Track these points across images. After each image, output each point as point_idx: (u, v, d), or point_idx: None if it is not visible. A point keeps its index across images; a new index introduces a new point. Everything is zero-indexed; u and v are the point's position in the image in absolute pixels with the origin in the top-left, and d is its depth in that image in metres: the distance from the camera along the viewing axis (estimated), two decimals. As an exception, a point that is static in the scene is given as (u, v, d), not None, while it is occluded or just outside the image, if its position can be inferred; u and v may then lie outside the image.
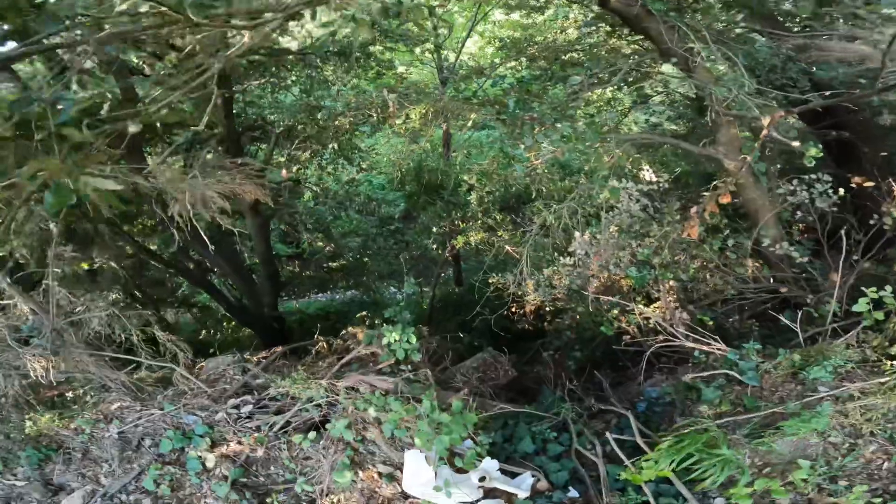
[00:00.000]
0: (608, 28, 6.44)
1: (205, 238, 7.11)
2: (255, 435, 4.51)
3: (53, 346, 4.59)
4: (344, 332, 7.11)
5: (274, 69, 9.57)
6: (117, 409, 4.73)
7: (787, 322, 5.15)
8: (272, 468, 4.40)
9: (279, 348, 7.13)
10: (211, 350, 10.22)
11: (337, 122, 9.40)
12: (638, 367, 6.60)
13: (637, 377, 6.42)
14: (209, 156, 9.99)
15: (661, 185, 6.35)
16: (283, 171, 8.93)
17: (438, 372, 5.53)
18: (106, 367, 4.94)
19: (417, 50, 11.58)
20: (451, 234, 9.71)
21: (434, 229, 9.96)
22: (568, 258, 6.41)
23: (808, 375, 4.48)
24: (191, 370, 5.45)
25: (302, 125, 9.73)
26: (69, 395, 5.19)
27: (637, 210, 5.89)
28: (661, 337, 6.12)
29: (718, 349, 4.89)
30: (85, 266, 9.72)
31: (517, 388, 6.51)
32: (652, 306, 6.45)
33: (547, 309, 7.76)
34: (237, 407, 4.74)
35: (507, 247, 8.66)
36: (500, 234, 8.52)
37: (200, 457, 4.36)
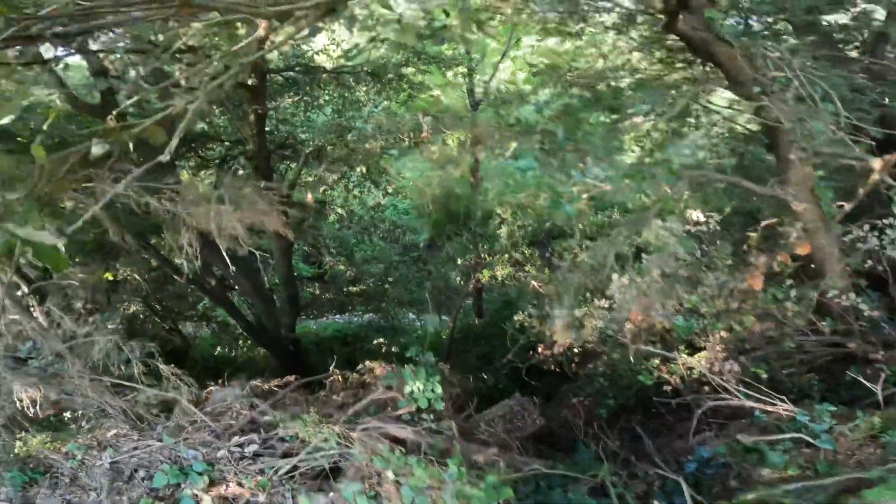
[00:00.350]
0: (661, 55, 6.04)
1: (226, 257, 6.88)
2: (258, 478, 4.04)
3: (51, 369, 4.25)
4: (361, 366, 6.66)
5: (307, 88, 9.44)
6: (113, 437, 4.34)
7: (856, 378, 4.57)
8: (274, 516, 3.92)
9: (292, 378, 6.71)
10: (226, 373, 9.90)
11: (368, 145, 9.15)
12: (680, 420, 6.00)
13: (679, 431, 5.82)
14: (239, 172, 9.86)
15: (710, 225, 5.85)
16: (309, 196, 8.66)
17: (462, 420, 5.01)
18: (106, 392, 4.57)
19: (450, 73, 11.39)
20: (477, 266, 9.26)
21: (459, 261, 9.54)
22: (603, 300, 5.89)
23: (891, 439, 3.92)
24: (197, 401, 5.04)
25: (332, 146, 9.51)
26: (67, 415, 4.84)
27: (684, 253, 5.38)
28: (707, 389, 5.57)
29: (784, 410, 4.29)
30: (109, 276, 9.55)
31: (545, 435, 5.94)
32: (697, 356, 5.87)
33: (575, 350, 7.21)
34: (241, 445, 4.29)
35: (534, 282, 8.17)
36: (527, 269, 8.05)
37: (196, 496, 3.92)
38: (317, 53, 9.19)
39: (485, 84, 11.28)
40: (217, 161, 10.65)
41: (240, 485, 4.01)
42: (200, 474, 4.01)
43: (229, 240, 4.11)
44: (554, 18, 6.57)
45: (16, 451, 4.12)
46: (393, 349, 11.80)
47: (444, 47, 8.97)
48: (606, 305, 5.84)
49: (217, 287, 10.20)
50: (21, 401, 4.09)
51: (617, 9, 6.19)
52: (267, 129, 9.76)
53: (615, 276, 5.43)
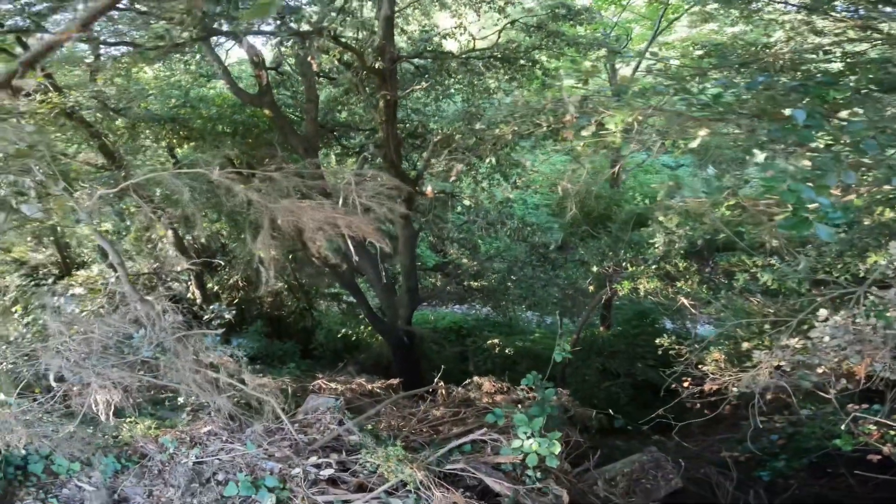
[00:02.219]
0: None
1: (350, 245, 6.60)
2: (329, 512, 3.48)
3: (161, 359, 4.11)
4: (468, 381, 5.90)
5: (437, 76, 8.82)
6: (205, 434, 4.10)
7: None
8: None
9: (395, 382, 6.18)
10: (344, 361, 9.89)
11: (498, 131, 8.24)
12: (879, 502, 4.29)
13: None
14: (369, 162, 9.67)
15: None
16: (429, 189, 8.03)
17: (575, 476, 3.96)
18: (208, 386, 4.36)
19: (587, 62, 9.98)
20: (615, 274, 7.87)
21: (594, 267, 8.21)
22: (795, 338, 4.35)
23: None
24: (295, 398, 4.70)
25: (460, 135, 8.79)
26: (180, 399, 4.77)
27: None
28: None
29: None
30: (261, 254, 10.06)
31: (682, 500, 4.62)
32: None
33: (734, 390, 5.61)
34: (318, 466, 3.77)
35: (684, 300, 6.61)
36: (679, 284, 6.51)
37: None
38: (444, 38, 8.50)
39: (624, 72, 9.65)
40: (357, 150, 10.67)
41: (307, 515, 3.48)
42: (270, 490, 3.56)
43: (319, 243, 3.54)
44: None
45: (120, 435, 4.06)
46: (507, 350, 10.91)
47: (582, 29, 7.67)
48: (801, 346, 4.31)
49: (348, 272, 10.23)
50: (127, 388, 3.98)
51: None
52: (399, 118, 9.44)
53: (823, 312, 3.92)
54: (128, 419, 4.23)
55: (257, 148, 9.07)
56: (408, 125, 10.21)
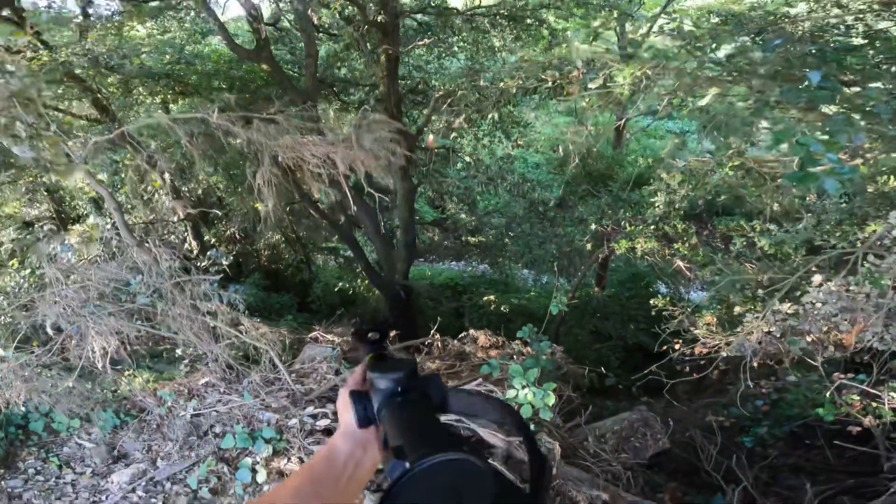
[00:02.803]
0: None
1: (349, 195, 6.56)
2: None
3: (158, 306, 4.08)
4: (464, 334, 5.96)
5: (440, 33, 8.48)
6: (203, 386, 4.13)
7: None
8: None
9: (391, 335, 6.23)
10: (341, 310, 9.96)
11: (502, 85, 7.98)
12: (856, 475, 4.42)
13: (852, 487, 4.28)
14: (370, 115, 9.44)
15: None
16: (430, 139, 7.84)
17: (566, 431, 4.04)
18: (206, 335, 4.36)
19: (595, 23, 9.53)
20: (612, 234, 7.82)
21: (593, 225, 8.16)
22: (787, 304, 4.35)
23: None
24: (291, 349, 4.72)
25: (462, 91, 8.53)
26: (177, 351, 4.79)
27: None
28: None
29: None
30: (258, 206, 9.92)
31: (667, 462, 4.75)
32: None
33: (723, 355, 5.69)
34: (314, 416, 3.82)
35: (680, 262, 6.59)
36: (677, 246, 6.47)
37: (255, 466, 3.54)
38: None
39: (641, 34, 9.20)
40: (356, 105, 10.41)
41: (301, 460, 3.56)
42: (267, 442, 3.62)
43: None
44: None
45: (119, 389, 4.09)
46: (503, 308, 11.00)
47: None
48: (792, 311, 4.31)
49: (346, 224, 10.17)
50: (125, 337, 3.98)
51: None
52: (401, 74, 9.18)
53: (817, 278, 3.90)
54: (126, 372, 4.25)
55: (255, 103, 8.86)
56: (409, 82, 9.96)
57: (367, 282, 11.68)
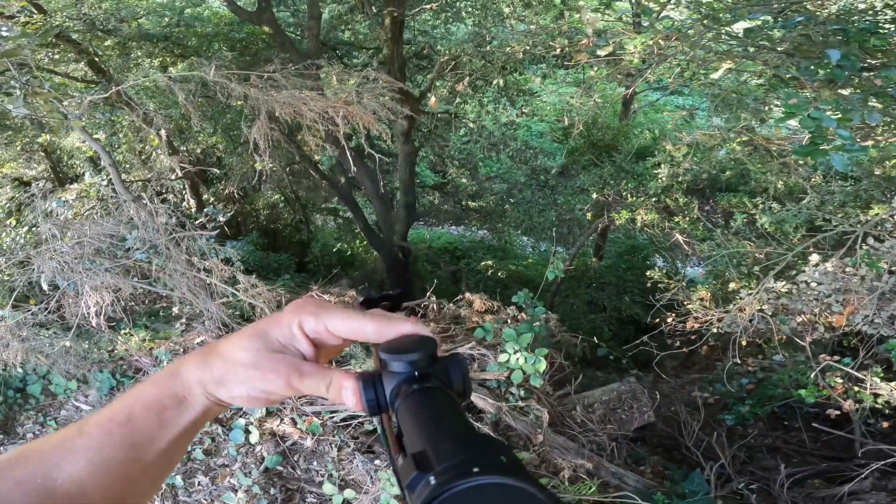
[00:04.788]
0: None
1: (349, 156, 6.46)
2: (312, 420, 3.58)
3: (154, 262, 4.03)
4: (460, 297, 5.94)
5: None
6: (198, 345, 4.13)
7: None
8: (315, 463, 3.46)
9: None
10: (338, 267, 9.96)
11: (508, 50, 7.68)
12: (830, 459, 4.50)
13: (827, 471, 4.37)
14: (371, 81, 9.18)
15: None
16: (433, 100, 7.60)
17: (556, 399, 4.07)
18: (202, 292, 4.33)
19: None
20: (613, 204, 7.70)
21: (594, 195, 8.02)
22: (780, 283, 4.32)
23: None
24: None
25: (468, 56, 8.22)
26: (174, 310, 4.77)
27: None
28: (886, 426, 4.04)
29: None
30: (258, 166, 9.74)
31: (650, 435, 4.82)
32: (897, 384, 4.19)
33: (714, 330, 5.71)
34: (310, 380, 3.83)
35: (679, 236, 6.51)
36: (677, 220, 6.38)
37: (248, 427, 3.58)
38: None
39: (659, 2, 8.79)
40: (359, 69, 10.11)
41: (294, 422, 3.59)
42: (262, 402, 3.64)
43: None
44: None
45: (115, 349, 4.07)
46: (500, 274, 10.99)
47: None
48: (786, 290, 4.28)
49: (346, 185, 10.04)
50: (122, 295, 3.94)
51: None
52: (406, 39, 8.87)
53: (814, 257, 3.85)
54: (123, 331, 4.24)
55: (255, 66, 8.59)
56: (413, 46, 9.64)
57: (365, 243, 11.63)
